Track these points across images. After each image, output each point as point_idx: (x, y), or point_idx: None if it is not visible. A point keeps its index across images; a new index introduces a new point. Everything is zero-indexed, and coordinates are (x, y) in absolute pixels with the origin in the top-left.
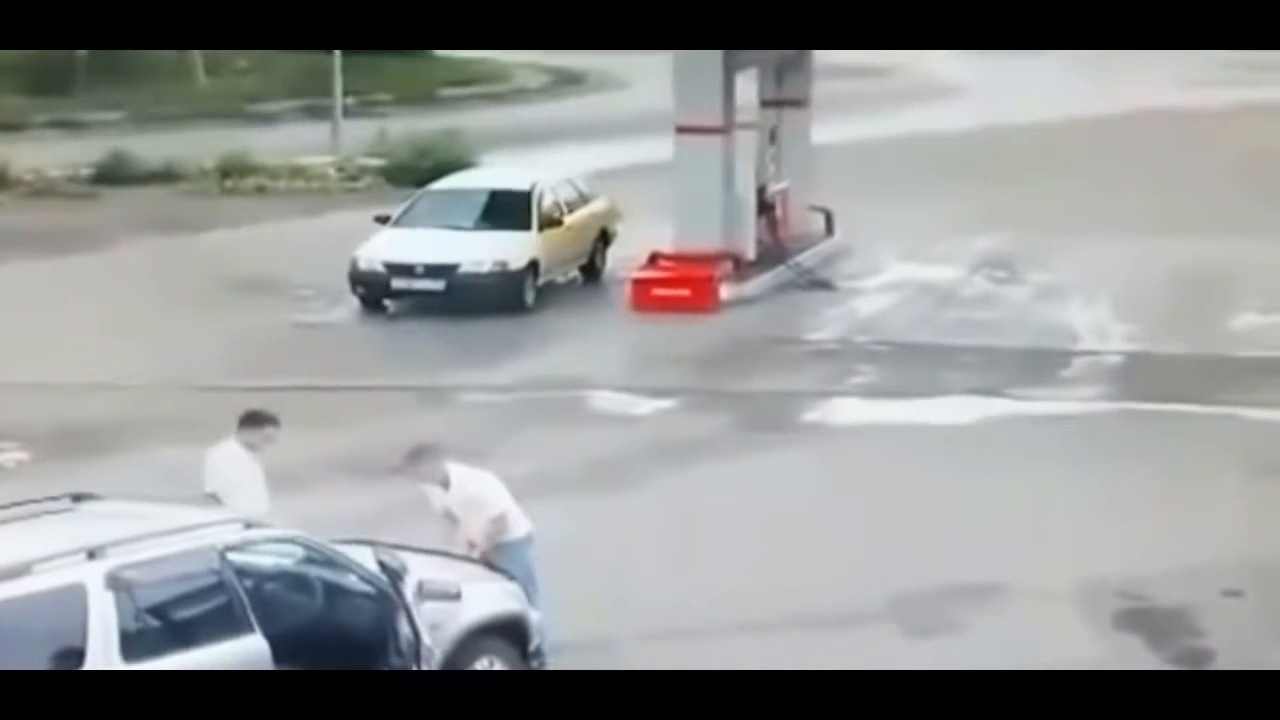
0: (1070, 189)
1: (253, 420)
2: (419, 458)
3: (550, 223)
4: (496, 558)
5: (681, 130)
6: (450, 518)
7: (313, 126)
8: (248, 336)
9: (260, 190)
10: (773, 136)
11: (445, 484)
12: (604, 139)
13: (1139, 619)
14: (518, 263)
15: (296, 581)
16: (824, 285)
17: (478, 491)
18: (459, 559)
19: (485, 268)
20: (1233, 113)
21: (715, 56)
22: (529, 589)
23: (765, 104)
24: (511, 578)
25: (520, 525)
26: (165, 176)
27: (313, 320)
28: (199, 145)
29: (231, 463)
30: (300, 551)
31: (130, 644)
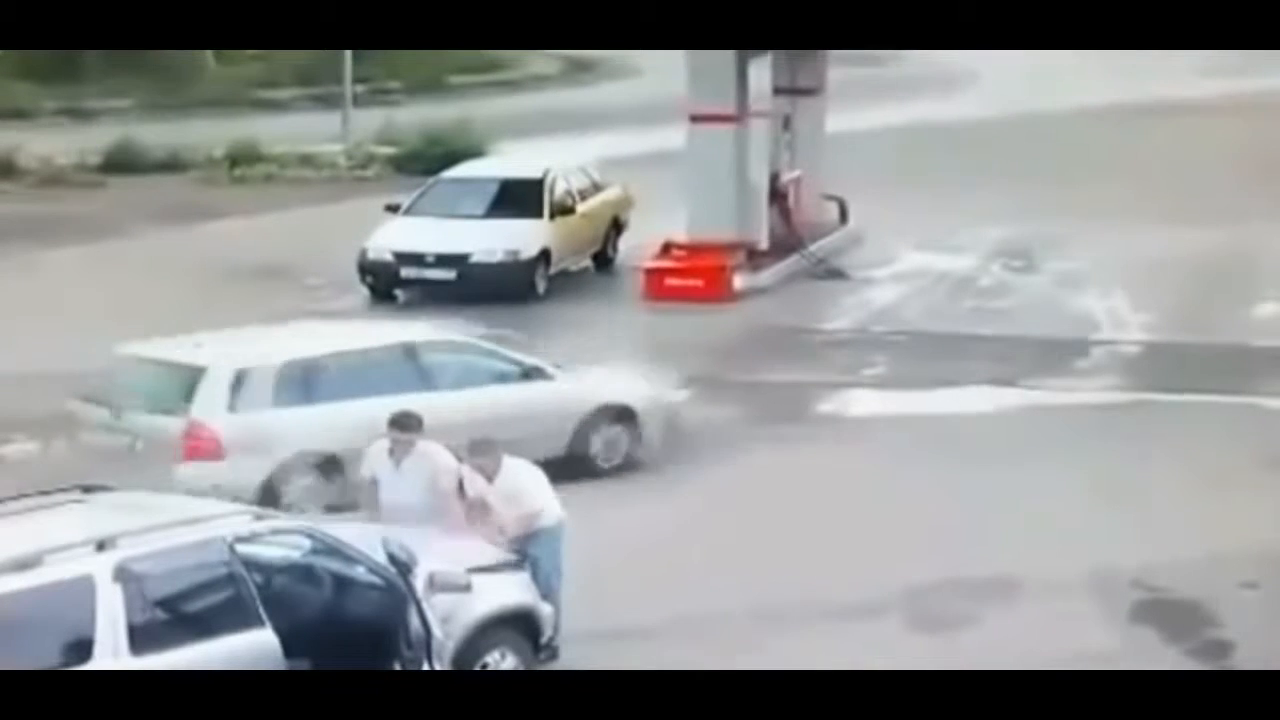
0: (1087, 177)
1: (391, 423)
2: (478, 450)
3: (562, 211)
4: (527, 545)
5: (694, 118)
6: (483, 505)
7: (323, 115)
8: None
9: (269, 179)
10: (786, 125)
11: (493, 476)
12: (616, 126)
13: (1156, 611)
14: (529, 252)
15: (306, 574)
16: (838, 275)
17: (524, 485)
18: (468, 540)
19: (496, 257)
20: (1252, 101)
21: None
22: (554, 578)
23: (779, 92)
24: (522, 564)
25: (552, 513)
26: (174, 165)
27: (322, 309)
28: (208, 134)
29: (374, 459)
30: (309, 543)
31: (139, 636)
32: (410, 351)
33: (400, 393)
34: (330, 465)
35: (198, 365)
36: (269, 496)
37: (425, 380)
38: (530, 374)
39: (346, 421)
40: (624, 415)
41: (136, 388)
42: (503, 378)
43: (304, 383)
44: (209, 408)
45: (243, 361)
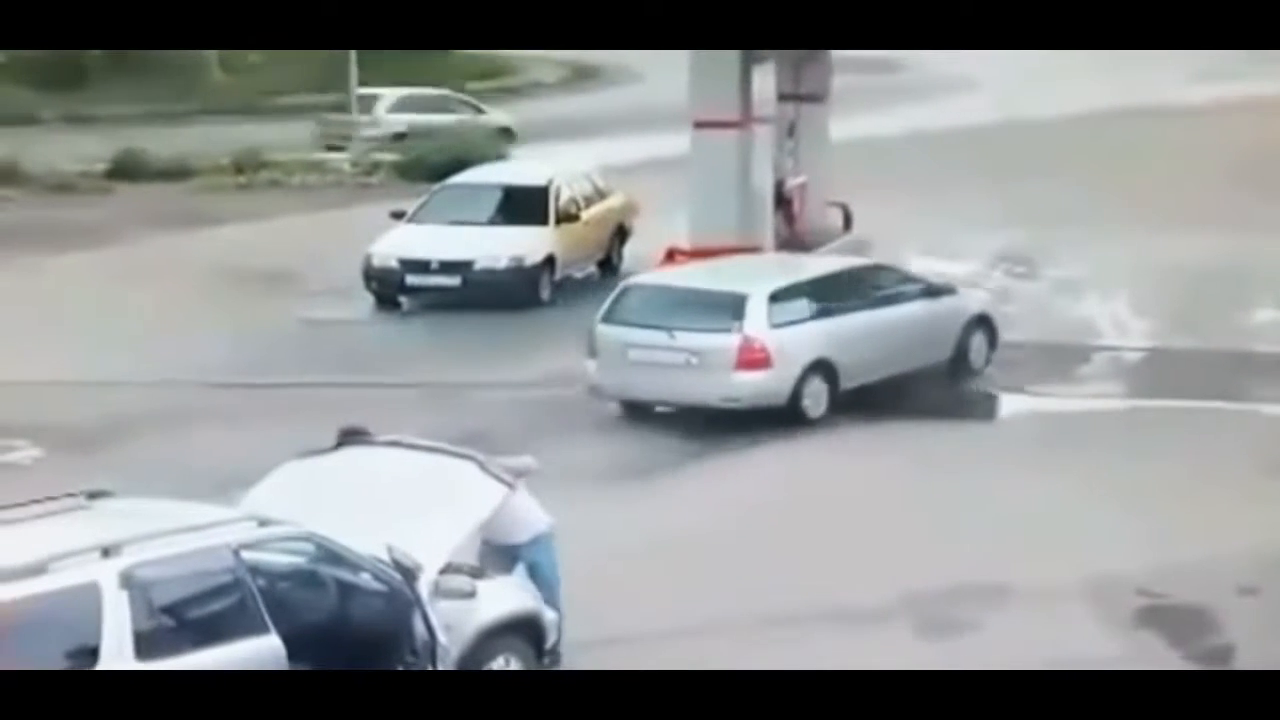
0: (1088, 184)
1: (342, 435)
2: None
3: (567, 218)
4: (526, 551)
5: (698, 125)
6: None
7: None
8: (261, 333)
9: (274, 185)
10: (790, 131)
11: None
12: (620, 133)
13: (1157, 617)
14: (534, 258)
15: (310, 580)
16: None
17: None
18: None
19: (501, 263)
20: (1250, 108)
21: (732, 51)
22: (553, 584)
23: (783, 98)
24: (514, 565)
25: (541, 519)
26: (179, 172)
27: (326, 316)
28: (213, 140)
29: None
30: (313, 550)
31: (144, 642)
32: (858, 275)
33: (854, 310)
34: (829, 371)
35: (741, 292)
36: (794, 399)
37: (869, 298)
38: (935, 291)
39: (837, 333)
40: (984, 323)
41: (679, 312)
42: (915, 295)
43: (808, 303)
44: (759, 325)
45: (773, 286)
